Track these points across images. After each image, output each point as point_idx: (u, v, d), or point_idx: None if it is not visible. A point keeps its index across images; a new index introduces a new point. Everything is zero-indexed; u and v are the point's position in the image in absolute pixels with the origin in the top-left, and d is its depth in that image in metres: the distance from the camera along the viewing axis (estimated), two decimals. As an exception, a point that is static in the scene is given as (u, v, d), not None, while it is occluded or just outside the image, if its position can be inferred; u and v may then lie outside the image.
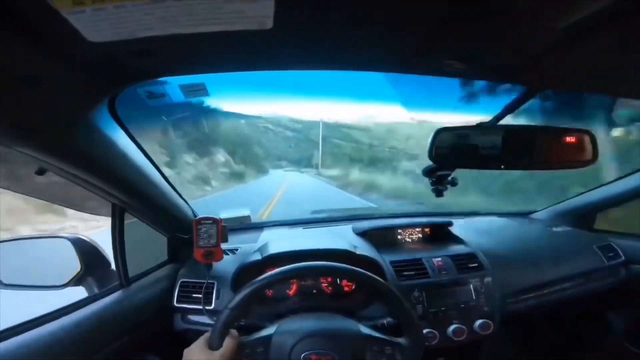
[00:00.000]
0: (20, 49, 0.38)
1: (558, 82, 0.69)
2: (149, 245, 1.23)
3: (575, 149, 0.83)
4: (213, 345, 0.75)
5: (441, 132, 0.83)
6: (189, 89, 0.69)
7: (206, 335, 0.78)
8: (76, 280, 0.99)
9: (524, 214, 1.76)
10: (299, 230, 1.53)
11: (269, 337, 0.82)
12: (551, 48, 0.48)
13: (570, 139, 0.82)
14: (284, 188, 13.65)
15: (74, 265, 0.98)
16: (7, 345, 0.70)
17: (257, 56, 0.49)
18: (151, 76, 0.52)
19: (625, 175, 1.40)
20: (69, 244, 0.97)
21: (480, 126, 0.85)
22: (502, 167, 0.84)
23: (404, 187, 10.51)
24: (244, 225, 1.50)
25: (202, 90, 0.69)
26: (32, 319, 0.78)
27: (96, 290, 1.02)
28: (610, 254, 1.39)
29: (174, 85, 0.66)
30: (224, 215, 1.39)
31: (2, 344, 0.69)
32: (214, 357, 0.73)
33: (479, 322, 1.13)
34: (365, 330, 0.84)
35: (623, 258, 1.40)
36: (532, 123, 0.88)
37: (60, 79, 0.46)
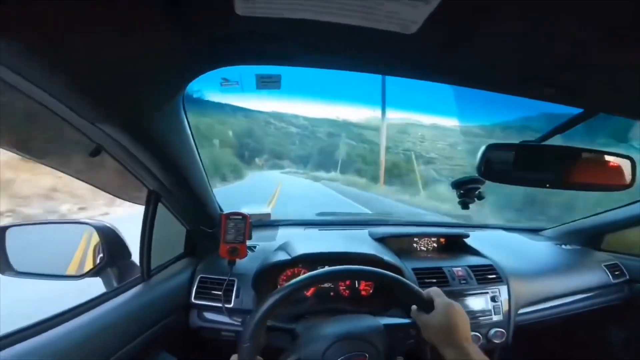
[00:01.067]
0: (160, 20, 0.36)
1: (616, 107, 0.70)
2: (164, 237, 1.18)
3: (615, 173, 0.86)
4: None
5: (491, 147, 0.85)
6: (263, 80, 0.66)
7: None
8: (96, 271, 0.93)
9: (534, 231, 1.82)
10: (314, 232, 1.52)
11: (294, 339, 0.81)
12: (611, 72, 0.49)
13: (612, 163, 0.86)
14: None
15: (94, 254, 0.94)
16: (32, 344, 0.64)
17: (391, 61, 0.48)
18: (266, 61, 0.50)
19: (637, 201, 1.45)
20: (93, 230, 0.92)
21: (528, 145, 0.87)
22: (547, 185, 0.86)
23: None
24: (260, 223, 1.48)
25: (276, 82, 0.67)
26: (62, 311, 0.74)
27: (114, 282, 0.97)
28: (617, 272, 1.46)
29: (250, 74, 0.64)
30: (245, 210, 1.36)
31: (26, 343, 0.64)
32: None
33: (493, 330, 1.16)
34: (386, 321, 0.85)
35: (628, 277, 1.47)
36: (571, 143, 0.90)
37: (175, 48, 0.44)
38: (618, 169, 0.86)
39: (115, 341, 0.82)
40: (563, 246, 1.60)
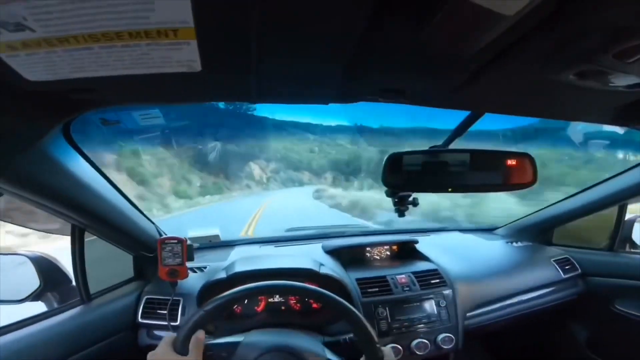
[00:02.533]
0: None
1: (491, 106, 0.73)
2: (118, 260, 1.23)
3: (517, 172, 0.88)
4: (178, 348, 0.70)
5: (393, 157, 0.86)
6: (143, 117, 0.71)
7: (170, 337, 0.74)
8: (35, 296, 0.99)
9: (488, 230, 1.83)
10: (269, 249, 1.55)
11: (235, 344, 0.83)
12: (474, 74, 0.52)
13: (512, 162, 0.88)
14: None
15: (34, 281, 0.99)
16: None
17: (190, 92, 0.53)
18: (94, 107, 0.55)
19: (581, 191, 1.48)
20: (28, 261, 0.97)
21: (429, 151, 0.90)
22: (450, 190, 0.88)
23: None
24: (213, 244, 1.52)
25: (157, 117, 0.72)
26: None
27: (56, 306, 1.02)
28: (567, 267, 1.47)
29: (129, 112, 0.69)
30: (193, 234, 1.41)
31: None
32: None
33: (441, 336, 1.16)
34: (328, 355, 0.86)
35: (580, 271, 1.47)
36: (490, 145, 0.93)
37: (8, 110, 0.48)
38: (520, 167, 0.88)
39: (52, 357, 0.87)
40: (514, 244, 1.61)
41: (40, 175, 0.66)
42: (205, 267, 1.30)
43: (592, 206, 1.43)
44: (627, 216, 1.42)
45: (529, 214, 1.69)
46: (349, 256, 1.44)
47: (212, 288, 1.14)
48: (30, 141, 0.57)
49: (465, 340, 1.21)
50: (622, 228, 1.42)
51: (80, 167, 0.76)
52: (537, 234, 1.65)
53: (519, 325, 1.51)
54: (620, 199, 1.35)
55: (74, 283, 1.04)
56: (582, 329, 1.51)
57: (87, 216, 0.90)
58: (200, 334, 0.74)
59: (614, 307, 1.38)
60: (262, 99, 0.58)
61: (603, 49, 0.42)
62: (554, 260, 1.47)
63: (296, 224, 1.90)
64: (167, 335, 0.74)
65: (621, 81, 0.52)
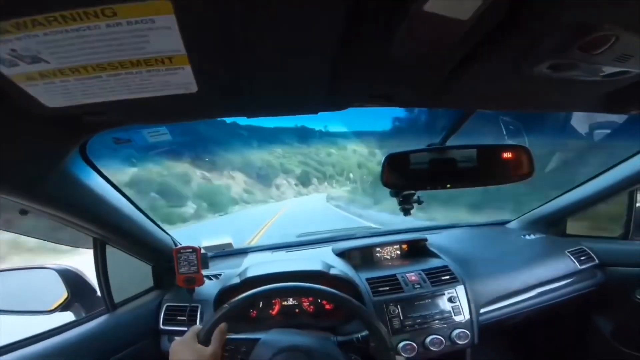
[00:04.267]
0: None
1: (474, 103, 0.75)
2: (140, 271, 1.30)
3: (514, 164, 0.89)
4: (202, 338, 0.75)
5: (391, 157, 0.89)
6: (152, 134, 0.77)
7: (195, 328, 0.79)
8: (63, 307, 1.06)
9: (499, 224, 1.81)
10: (281, 254, 1.59)
11: (254, 341, 0.88)
12: (452, 75, 0.54)
13: (508, 155, 0.89)
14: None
15: (62, 293, 1.06)
16: None
17: (189, 111, 0.58)
18: (106, 128, 0.61)
19: (589, 180, 1.45)
20: (55, 274, 1.05)
21: (426, 149, 0.92)
22: (449, 186, 0.90)
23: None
24: (227, 252, 1.58)
25: (164, 134, 0.78)
26: (15, 341, 0.86)
27: (83, 315, 1.09)
28: (583, 258, 1.44)
29: (139, 131, 0.75)
30: (206, 243, 1.48)
31: None
32: (205, 353, 0.72)
33: (455, 331, 1.16)
34: (342, 354, 0.89)
35: (597, 261, 1.44)
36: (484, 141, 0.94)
37: (30, 134, 0.54)
38: (517, 160, 0.89)
39: None
40: (527, 237, 1.58)
41: (62, 193, 0.73)
42: (220, 275, 1.35)
43: (602, 193, 1.41)
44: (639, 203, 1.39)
45: (540, 205, 1.67)
46: (359, 257, 1.46)
47: (227, 293, 1.19)
48: (53, 162, 0.63)
49: (483, 335, 1.21)
50: (634, 215, 1.38)
51: (97, 184, 0.82)
52: (549, 225, 1.62)
53: (540, 319, 1.49)
54: (629, 184, 1.33)
55: (98, 293, 1.11)
56: (606, 320, 1.47)
57: (107, 229, 0.97)
58: (224, 327, 0.79)
59: (635, 297, 1.35)
60: (255, 113, 0.63)
61: (567, 44, 0.44)
62: (568, 252, 1.44)
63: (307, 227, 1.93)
64: (195, 326, 0.80)
65: (592, 72, 0.53)
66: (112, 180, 0.88)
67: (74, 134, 0.61)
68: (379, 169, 0.90)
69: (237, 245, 1.63)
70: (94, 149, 0.74)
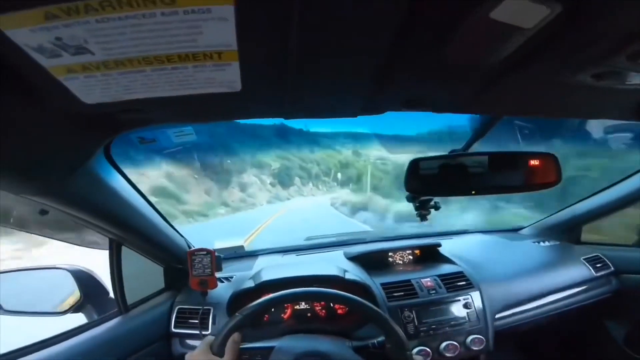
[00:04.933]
0: (25, 109, 0.44)
1: (509, 109, 0.75)
2: (150, 272, 1.29)
3: (540, 172, 0.88)
4: (215, 349, 0.74)
5: (415, 162, 0.87)
6: (178, 134, 0.76)
7: (209, 338, 0.78)
8: (76, 308, 1.05)
9: (512, 231, 1.80)
10: (292, 257, 1.57)
11: (269, 349, 0.86)
12: (493, 81, 0.53)
13: (534, 162, 0.88)
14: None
15: (75, 294, 1.05)
16: None
17: (228, 110, 0.56)
18: (138, 126, 0.59)
19: (606, 188, 1.44)
20: (68, 274, 1.03)
21: (451, 155, 0.91)
22: (473, 193, 0.88)
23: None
24: (238, 254, 1.56)
25: (190, 134, 0.76)
26: (31, 344, 0.84)
27: (96, 317, 1.08)
28: (599, 265, 1.43)
29: (164, 130, 0.73)
30: (218, 245, 1.46)
31: None
32: None
33: (470, 337, 1.15)
34: (356, 343, 0.90)
35: (612, 269, 1.43)
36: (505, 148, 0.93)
37: (60, 132, 0.52)
38: (544, 168, 0.88)
39: None
40: (541, 243, 1.57)
41: (85, 193, 0.71)
42: (231, 277, 1.34)
43: (620, 202, 1.39)
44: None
45: (555, 212, 1.66)
46: (372, 262, 1.44)
47: (241, 297, 1.17)
48: (79, 162, 0.61)
49: (498, 341, 1.19)
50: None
51: (119, 185, 0.81)
52: (564, 232, 1.61)
53: (553, 326, 1.48)
54: None
55: (111, 294, 1.10)
56: (619, 327, 1.46)
57: (124, 230, 0.95)
58: (237, 337, 0.77)
59: None
60: (294, 114, 0.61)
61: (616, 52, 0.44)
62: (584, 259, 1.43)
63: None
64: (208, 337, 0.78)
65: (637, 80, 0.52)
66: (132, 181, 0.86)
67: (105, 133, 0.59)
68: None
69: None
70: (116, 149, 0.72)
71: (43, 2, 0.29)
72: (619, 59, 0.45)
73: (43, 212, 0.72)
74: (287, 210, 13.49)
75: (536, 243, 1.59)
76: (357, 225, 8.96)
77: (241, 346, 0.80)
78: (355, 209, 11.49)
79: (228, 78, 0.43)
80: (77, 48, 0.35)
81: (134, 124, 0.58)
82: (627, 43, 0.42)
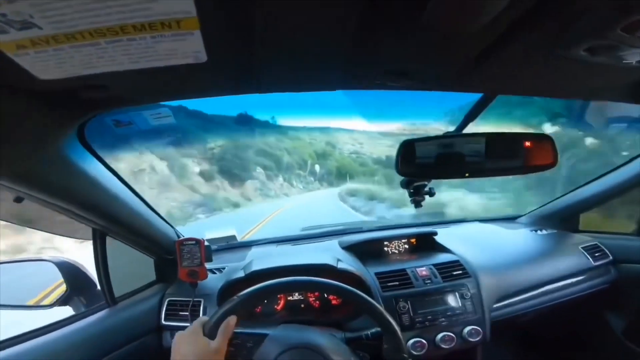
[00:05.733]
0: None
1: (500, 87, 0.72)
2: (142, 265, 1.26)
3: (536, 154, 0.85)
4: (207, 331, 0.70)
5: (406, 144, 0.84)
6: (155, 116, 0.73)
7: (202, 319, 0.74)
8: (62, 301, 1.02)
9: (510, 219, 1.78)
10: (286, 247, 1.55)
11: (262, 336, 0.85)
12: (481, 54, 0.51)
13: (530, 144, 0.85)
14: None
15: (61, 286, 1.03)
16: None
17: (198, 85, 0.54)
18: (106, 107, 0.57)
19: (604, 175, 1.42)
20: (54, 266, 1.01)
21: (443, 137, 0.88)
22: (467, 175, 0.86)
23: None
24: (231, 245, 1.53)
25: (168, 116, 0.74)
26: (14, 336, 0.82)
27: (83, 310, 1.05)
28: (597, 254, 1.40)
29: (140, 112, 0.71)
30: (209, 235, 1.43)
31: None
32: (209, 347, 0.67)
33: (467, 329, 1.13)
34: (348, 335, 0.89)
35: (611, 257, 1.41)
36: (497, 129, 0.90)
37: (23, 113, 0.50)
38: (540, 149, 0.85)
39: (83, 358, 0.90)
40: (539, 232, 1.55)
41: (58, 179, 0.68)
42: (223, 268, 1.32)
43: (617, 189, 1.37)
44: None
45: (552, 200, 1.63)
46: (367, 251, 1.42)
47: (231, 287, 1.15)
48: (47, 143, 0.59)
49: (494, 332, 1.17)
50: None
51: (96, 170, 0.78)
52: (562, 220, 1.59)
53: (551, 316, 1.46)
54: None
55: (98, 287, 1.07)
56: (618, 317, 1.44)
57: (106, 219, 0.92)
58: (232, 320, 0.73)
59: None
60: (269, 88, 0.59)
61: (611, 23, 0.41)
62: (582, 248, 1.41)
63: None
64: (202, 317, 0.75)
65: (634, 56, 0.50)
66: (111, 167, 0.83)
67: (72, 113, 0.57)
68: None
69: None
70: (92, 133, 0.69)
71: None
72: (614, 32, 0.43)
73: (18, 200, 0.69)
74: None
75: (533, 231, 1.57)
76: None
77: (235, 330, 0.76)
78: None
79: (191, 48, 0.40)
80: (22, 23, 0.33)
81: (100, 105, 0.55)
82: (623, 14, 0.39)
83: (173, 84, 0.52)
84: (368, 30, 0.44)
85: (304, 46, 0.46)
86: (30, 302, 1.02)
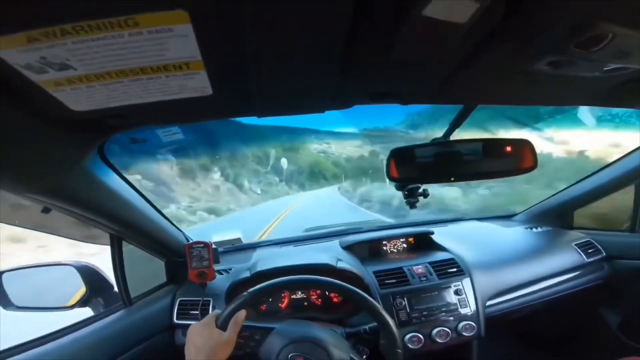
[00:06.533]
0: (24, 118, 0.50)
1: (476, 98, 0.77)
2: (152, 266, 1.34)
3: (517, 158, 0.91)
4: (219, 323, 0.79)
5: (396, 151, 0.90)
6: (166, 134, 0.81)
7: (215, 312, 0.83)
8: (82, 302, 1.11)
9: (506, 217, 1.82)
10: (289, 249, 1.62)
11: (269, 329, 0.92)
12: (453, 72, 0.56)
13: (511, 149, 0.90)
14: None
15: (81, 289, 1.11)
16: None
17: (204, 112, 0.61)
18: (125, 129, 0.64)
19: (597, 171, 1.45)
20: (74, 270, 1.09)
21: (431, 144, 0.94)
22: (453, 179, 0.92)
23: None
24: (237, 247, 1.61)
25: (177, 133, 0.81)
26: (37, 337, 0.91)
27: (102, 310, 1.14)
28: (590, 251, 1.44)
29: (152, 131, 0.78)
30: (216, 238, 1.51)
31: None
32: (221, 338, 0.76)
33: (462, 324, 1.18)
34: (349, 330, 0.96)
35: (604, 254, 1.44)
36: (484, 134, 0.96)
37: (54, 136, 0.58)
38: (520, 153, 0.90)
39: (102, 357, 0.99)
40: (534, 229, 1.59)
41: (82, 192, 0.77)
42: (230, 269, 1.39)
43: (610, 185, 1.40)
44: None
45: (547, 198, 1.67)
46: (366, 251, 1.48)
47: (238, 287, 1.23)
48: (75, 162, 0.67)
49: (490, 327, 1.22)
50: (641, 208, 1.38)
51: (115, 182, 0.86)
52: (556, 218, 1.62)
53: (546, 312, 1.50)
54: (637, 176, 1.32)
55: (115, 289, 1.16)
56: (613, 313, 1.47)
57: (123, 226, 1.01)
58: (242, 313, 0.82)
59: None
60: (265, 113, 0.66)
61: (564, 42, 0.46)
62: (575, 244, 1.45)
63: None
64: (215, 310, 0.85)
65: (594, 69, 0.54)
66: (127, 179, 0.91)
67: (96, 135, 0.65)
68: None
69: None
70: (110, 149, 0.77)
71: (23, 28, 0.34)
72: (568, 48, 0.47)
73: (45, 210, 0.77)
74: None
75: (528, 229, 1.61)
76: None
77: (244, 323, 0.85)
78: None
79: (199, 84, 0.48)
80: (60, 65, 0.40)
81: (122, 127, 0.63)
82: (574, 32, 0.44)
83: (182, 112, 0.60)
84: (349, 61, 0.50)
85: (293, 77, 0.53)
86: (68, 304, 1.10)
